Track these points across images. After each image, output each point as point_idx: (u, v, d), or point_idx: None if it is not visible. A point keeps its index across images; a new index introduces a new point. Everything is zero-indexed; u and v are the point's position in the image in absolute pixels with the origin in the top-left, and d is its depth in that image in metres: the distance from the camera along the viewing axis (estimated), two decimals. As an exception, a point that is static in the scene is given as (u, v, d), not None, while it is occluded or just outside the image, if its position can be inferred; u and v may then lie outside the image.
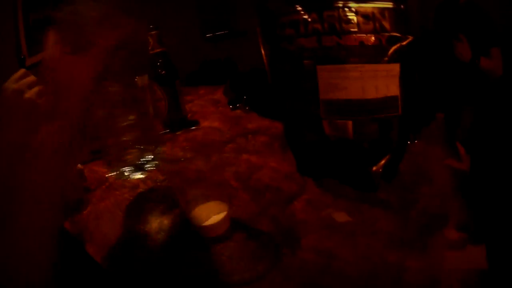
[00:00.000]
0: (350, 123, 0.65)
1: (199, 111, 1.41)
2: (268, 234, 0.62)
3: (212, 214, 0.64)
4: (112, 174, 0.77)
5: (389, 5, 0.61)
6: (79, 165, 0.91)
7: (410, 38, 0.62)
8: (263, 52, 0.74)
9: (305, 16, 0.65)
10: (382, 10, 0.61)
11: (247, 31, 3.39)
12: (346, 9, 0.62)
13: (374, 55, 0.62)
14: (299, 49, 0.66)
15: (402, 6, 0.62)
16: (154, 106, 1.34)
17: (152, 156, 0.73)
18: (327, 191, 0.71)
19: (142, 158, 0.73)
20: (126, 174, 0.74)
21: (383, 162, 0.67)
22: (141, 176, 0.78)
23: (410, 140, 0.73)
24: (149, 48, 1.18)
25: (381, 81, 0.63)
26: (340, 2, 0.62)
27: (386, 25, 0.61)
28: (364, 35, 0.62)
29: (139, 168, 0.73)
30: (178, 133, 1.17)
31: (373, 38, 0.62)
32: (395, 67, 0.62)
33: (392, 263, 0.52)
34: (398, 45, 0.62)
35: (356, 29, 0.62)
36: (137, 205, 0.82)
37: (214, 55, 3.65)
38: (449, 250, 0.54)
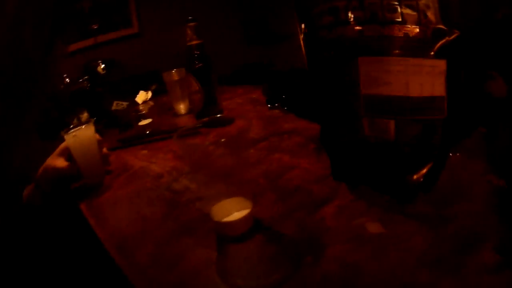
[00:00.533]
0: (392, 123, 0.59)
1: (236, 108, 1.39)
2: (292, 239, 0.57)
3: (234, 211, 0.59)
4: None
5: None
6: (105, 150, 0.91)
7: (457, 33, 0.55)
8: (301, 42, 0.69)
9: (346, 3, 0.59)
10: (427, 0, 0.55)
11: (290, 36, 3.37)
12: None
13: (419, 48, 0.56)
14: (339, 39, 0.61)
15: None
16: (189, 98, 1.33)
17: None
18: (360, 199, 0.65)
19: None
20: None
21: (424, 171, 0.60)
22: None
23: (451, 151, 0.66)
24: (187, 39, 1.17)
25: (426, 78, 0.56)
26: (383, -11, 0.57)
27: (431, 16, 0.55)
28: (409, 26, 0.56)
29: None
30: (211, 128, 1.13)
31: (417, 29, 0.56)
32: (442, 64, 0.56)
33: (423, 284, 0.46)
34: (444, 39, 0.55)
35: (400, 19, 0.56)
36: (158, 195, 0.79)
37: (256, 58, 3.63)
38: (485, 274, 0.47)
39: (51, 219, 0.60)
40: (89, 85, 1.58)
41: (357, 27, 0.59)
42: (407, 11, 0.56)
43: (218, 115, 0.60)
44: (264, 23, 3.94)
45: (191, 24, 1.17)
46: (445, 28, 0.55)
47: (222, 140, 0.55)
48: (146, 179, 0.89)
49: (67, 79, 1.61)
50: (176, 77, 1.39)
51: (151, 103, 1.80)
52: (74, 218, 0.72)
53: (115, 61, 2.53)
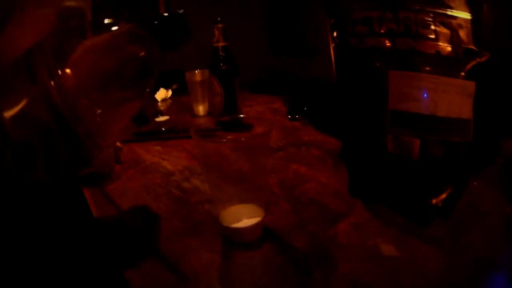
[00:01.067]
0: (417, 141, 0.56)
1: (256, 116, 1.37)
2: (302, 253, 0.54)
3: (244, 218, 0.56)
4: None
5: (467, 15, 0.53)
6: (118, 143, 0.89)
7: (488, 56, 0.53)
8: (332, 51, 0.67)
9: (380, 14, 0.57)
10: (460, 19, 0.53)
11: (317, 50, 3.35)
12: (423, 12, 0.54)
13: (450, 67, 0.54)
14: (371, 49, 0.59)
15: (479, 19, 0.53)
16: (210, 100, 1.32)
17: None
18: (376, 218, 0.62)
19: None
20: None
21: (444, 195, 0.57)
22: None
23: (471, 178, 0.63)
24: (214, 40, 1.15)
25: (455, 99, 0.54)
26: (417, 4, 0.55)
27: (464, 36, 0.53)
28: (441, 43, 0.54)
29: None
30: (229, 132, 1.12)
31: (449, 48, 0.54)
32: (471, 86, 0.54)
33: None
34: (475, 61, 0.53)
35: (433, 36, 0.54)
36: (166, 193, 0.77)
37: (280, 68, 3.62)
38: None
39: (53, 201, 0.58)
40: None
41: (390, 40, 0.57)
42: (440, 28, 0.54)
43: (239, 116, 0.58)
44: (292, 34, 3.94)
45: (220, 25, 1.15)
46: (476, 49, 0.53)
47: (242, 139, 0.53)
48: (156, 174, 0.87)
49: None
50: (198, 78, 1.37)
51: (170, 101, 1.79)
52: (76, 204, 0.70)
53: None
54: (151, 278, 0.51)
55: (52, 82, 0.40)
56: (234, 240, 0.57)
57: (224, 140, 0.55)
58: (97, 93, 0.43)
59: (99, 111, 0.43)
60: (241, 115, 0.61)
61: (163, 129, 1.24)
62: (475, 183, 0.66)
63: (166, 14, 0.48)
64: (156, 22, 0.48)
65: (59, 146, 0.42)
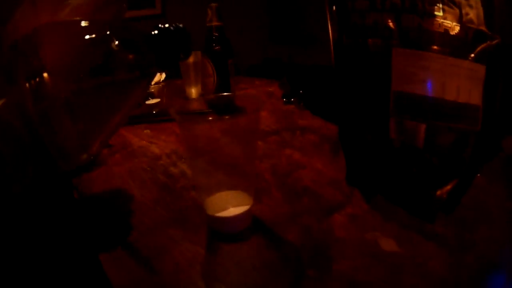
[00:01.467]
0: (423, 127, 0.52)
1: (245, 95, 1.33)
2: (295, 247, 0.50)
3: (230, 206, 0.52)
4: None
5: None
6: None
7: (499, 39, 0.48)
8: (329, 28, 0.61)
9: (383, -12, 0.52)
10: None
11: (317, 38, 3.31)
12: None
13: (459, 48, 0.50)
14: (373, 26, 0.54)
15: (491, 0, 0.48)
16: (202, 82, 1.27)
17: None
18: (376, 210, 0.57)
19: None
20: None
21: (449, 187, 0.53)
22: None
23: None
24: (207, 20, 1.10)
25: (464, 82, 0.50)
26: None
27: (473, 17, 0.49)
28: (450, 22, 0.49)
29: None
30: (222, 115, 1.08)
31: (458, 28, 0.49)
32: (481, 69, 0.49)
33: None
34: (486, 43, 0.49)
35: (441, 13, 0.49)
36: (152, 178, 0.73)
37: (277, 55, 3.59)
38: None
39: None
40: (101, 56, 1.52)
41: (394, 16, 0.52)
42: (449, 6, 0.49)
43: (226, 94, 0.53)
44: (291, 21, 3.89)
45: (213, 4, 1.10)
46: (487, 31, 0.48)
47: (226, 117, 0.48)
48: (143, 159, 0.82)
49: (79, 47, 1.55)
50: (191, 59, 1.32)
51: (162, 84, 1.74)
52: (58, 190, 0.66)
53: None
54: (127, 272, 0.47)
55: (28, 87, 0.36)
56: (220, 230, 0.52)
57: (210, 118, 0.50)
58: (77, 99, 0.39)
59: (79, 123, 0.39)
60: (228, 93, 0.56)
61: (154, 111, 1.20)
62: (478, 176, 0.62)
63: (165, 26, 0.44)
64: (154, 32, 0.43)
65: (29, 155, 0.38)
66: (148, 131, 1.06)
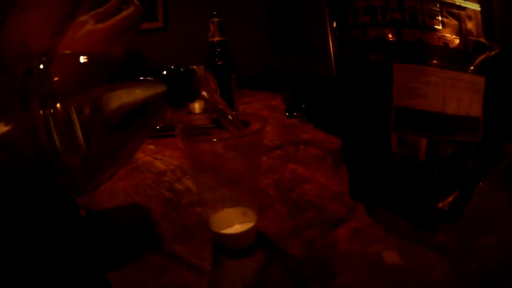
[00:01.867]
0: (424, 141, 0.52)
1: (251, 113, 1.33)
2: (298, 261, 0.50)
3: (235, 222, 0.53)
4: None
5: (476, 7, 0.49)
6: None
7: (498, 49, 0.49)
8: (330, 44, 0.62)
9: (384, 3, 0.53)
10: (469, 10, 0.49)
11: (318, 47, 3.33)
12: (430, 2, 0.50)
13: (459, 61, 0.50)
14: (374, 41, 0.54)
15: (489, 11, 0.49)
16: (205, 97, 1.28)
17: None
18: (379, 223, 0.58)
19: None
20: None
21: (450, 198, 0.53)
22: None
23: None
24: (209, 35, 1.11)
25: (464, 95, 0.50)
26: (423, -7, 0.50)
27: (472, 28, 0.49)
28: (449, 35, 0.50)
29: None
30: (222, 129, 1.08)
31: (458, 40, 0.49)
32: (480, 81, 0.50)
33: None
34: (485, 54, 0.49)
35: (440, 27, 0.50)
36: (157, 194, 0.73)
37: (279, 65, 3.60)
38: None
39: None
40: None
41: (395, 31, 0.53)
42: (448, 19, 0.50)
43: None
44: (292, 31, 3.91)
45: (215, 19, 1.11)
46: (487, 42, 0.49)
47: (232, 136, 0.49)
48: (148, 175, 0.83)
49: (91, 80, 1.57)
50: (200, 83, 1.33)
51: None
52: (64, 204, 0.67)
53: (140, 53, 2.49)
54: (135, 287, 0.48)
55: (42, 115, 0.36)
56: (225, 246, 0.53)
57: (214, 140, 0.50)
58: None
59: (90, 156, 0.40)
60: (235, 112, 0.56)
61: (158, 127, 1.21)
62: (480, 184, 0.62)
63: (176, 68, 0.44)
64: (165, 73, 0.44)
65: (38, 181, 0.39)
66: (153, 146, 1.06)
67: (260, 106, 1.46)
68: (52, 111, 0.36)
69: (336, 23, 0.61)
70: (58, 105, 0.37)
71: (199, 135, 0.54)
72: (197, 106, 1.37)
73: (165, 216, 0.64)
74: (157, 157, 0.95)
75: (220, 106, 0.50)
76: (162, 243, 0.56)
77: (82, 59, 0.41)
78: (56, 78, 0.38)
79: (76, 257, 0.58)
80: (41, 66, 0.38)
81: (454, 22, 0.49)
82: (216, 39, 1.12)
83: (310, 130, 1.08)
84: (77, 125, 0.38)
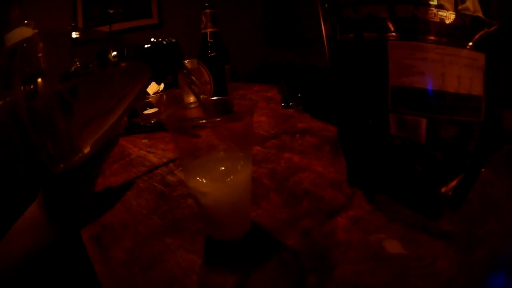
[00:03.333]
0: (424, 121, 0.49)
1: (239, 97, 1.31)
2: (295, 253, 0.47)
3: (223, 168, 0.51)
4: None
5: None
6: None
7: (496, 25, 0.46)
8: (322, 26, 0.59)
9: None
10: None
11: (314, 40, 3.31)
12: None
13: (457, 36, 0.47)
14: (366, 19, 0.52)
15: None
16: (200, 90, 1.25)
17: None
18: (379, 210, 0.55)
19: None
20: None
21: (454, 182, 0.51)
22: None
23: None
24: (202, 26, 1.09)
25: (464, 72, 0.48)
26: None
27: (469, 3, 0.46)
28: (445, 11, 0.47)
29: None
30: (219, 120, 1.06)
31: (454, 16, 0.47)
32: (481, 57, 0.47)
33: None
34: (484, 30, 0.46)
35: (435, 2, 0.47)
36: (149, 187, 0.71)
37: (275, 59, 3.58)
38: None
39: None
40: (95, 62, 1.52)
41: (388, 7, 0.50)
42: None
43: (222, 98, 0.51)
44: (287, 25, 3.88)
45: (207, 10, 1.08)
46: (485, 18, 0.46)
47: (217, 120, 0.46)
48: (141, 168, 0.81)
49: (77, 63, 1.54)
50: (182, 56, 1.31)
51: (161, 93, 1.73)
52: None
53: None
54: (123, 282, 0.45)
55: (22, 90, 0.35)
56: (218, 237, 0.50)
57: (198, 132, 0.48)
58: (68, 99, 0.38)
59: (67, 124, 0.38)
60: (225, 97, 0.54)
61: (152, 121, 1.19)
62: (483, 170, 0.60)
63: (158, 41, 0.43)
64: (148, 46, 0.43)
65: (20, 156, 0.37)
66: (146, 140, 1.04)
67: (256, 97, 1.43)
68: (32, 87, 0.35)
69: (327, 4, 0.58)
70: (39, 80, 0.36)
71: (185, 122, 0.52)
72: (191, 100, 1.35)
73: (156, 209, 0.61)
74: (150, 151, 0.93)
75: (195, 88, 0.49)
76: (152, 236, 0.54)
77: (74, 34, 0.40)
78: (40, 54, 0.37)
79: (63, 252, 0.56)
80: (25, 45, 0.37)
81: None
82: (208, 30, 1.09)
83: (307, 120, 1.05)
84: (59, 100, 0.36)
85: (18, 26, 0.62)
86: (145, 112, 1.35)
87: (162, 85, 1.78)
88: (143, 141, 1.04)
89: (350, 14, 0.54)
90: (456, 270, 0.43)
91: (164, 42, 0.43)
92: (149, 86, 1.74)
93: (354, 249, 0.47)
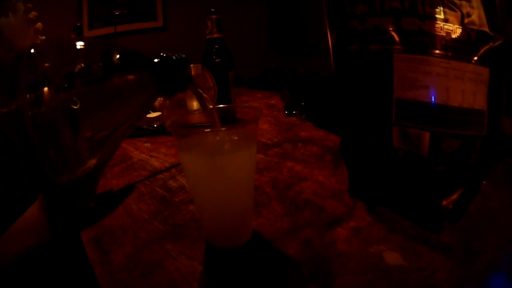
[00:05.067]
0: (427, 135, 0.50)
1: (244, 106, 1.31)
2: (295, 262, 0.48)
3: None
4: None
5: None
6: None
7: (501, 40, 0.47)
8: (328, 35, 0.60)
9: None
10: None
11: (318, 47, 3.32)
12: None
13: (462, 51, 0.48)
14: (373, 31, 0.52)
15: (492, 0, 0.47)
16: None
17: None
18: (380, 222, 0.55)
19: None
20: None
21: (455, 196, 0.51)
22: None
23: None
24: (207, 32, 1.09)
25: (468, 86, 0.48)
26: (424, -19, 0.48)
27: (475, 18, 0.47)
28: (451, 25, 0.47)
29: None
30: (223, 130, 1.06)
31: (460, 30, 0.47)
32: (485, 72, 0.48)
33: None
34: (489, 45, 0.47)
35: (442, 16, 0.48)
36: (150, 192, 0.71)
37: (280, 66, 3.59)
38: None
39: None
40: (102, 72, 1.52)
41: (394, 20, 0.50)
42: (450, 8, 0.47)
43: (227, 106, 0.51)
44: (291, 32, 3.89)
45: (213, 16, 1.09)
46: (490, 32, 0.47)
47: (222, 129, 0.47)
48: (142, 172, 0.81)
49: (82, 64, 1.55)
50: (191, 72, 1.31)
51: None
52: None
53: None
54: (123, 286, 0.45)
55: (28, 98, 0.35)
56: (217, 245, 0.50)
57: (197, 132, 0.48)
58: (73, 110, 0.38)
59: (73, 136, 0.38)
60: (230, 105, 0.54)
61: (155, 125, 1.19)
62: (484, 182, 0.60)
63: (168, 55, 0.43)
64: (157, 60, 0.42)
65: (23, 165, 0.37)
66: (149, 144, 1.04)
67: (258, 104, 1.44)
68: (38, 91, 0.35)
69: (333, 14, 0.58)
70: (46, 89, 0.36)
71: (189, 129, 0.52)
72: (195, 104, 1.35)
73: (157, 214, 0.62)
74: (152, 155, 0.93)
75: (204, 99, 0.49)
76: (153, 241, 0.54)
77: (81, 43, 0.40)
78: (47, 64, 0.37)
79: (63, 254, 0.56)
80: (32, 51, 0.37)
81: (456, 11, 0.47)
82: (214, 36, 1.10)
83: (309, 128, 1.05)
84: (66, 110, 0.36)
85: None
86: (148, 115, 1.36)
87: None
88: (145, 144, 1.04)
89: (356, 25, 0.54)
90: (455, 283, 0.43)
91: (174, 57, 0.43)
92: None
93: (354, 260, 0.47)
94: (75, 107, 0.37)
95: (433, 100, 0.49)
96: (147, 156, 0.93)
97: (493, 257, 0.46)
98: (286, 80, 1.39)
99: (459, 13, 0.47)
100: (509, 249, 0.48)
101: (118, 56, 0.41)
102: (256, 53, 3.67)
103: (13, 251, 0.47)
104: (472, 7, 0.47)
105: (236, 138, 0.51)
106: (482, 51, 0.47)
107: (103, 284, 0.46)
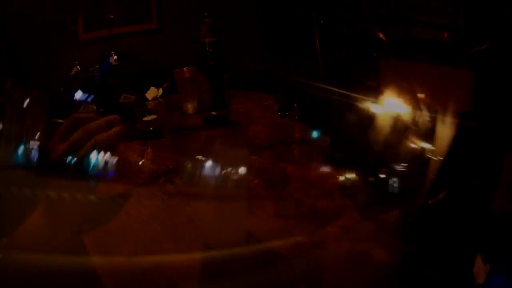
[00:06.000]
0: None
1: (246, 113, 1.32)
2: (287, 261, 0.50)
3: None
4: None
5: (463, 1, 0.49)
6: None
7: (487, 44, 0.49)
8: (317, 41, 0.62)
9: (370, -2, 0.53)
10: (456, 4, 0.49)
11: (312, 49, 3.32)
12: None
13: (447, 56, 0.50)
14: (360, 37, 0.54)
15: (478, 6, 0.49)
16: (197, 98, 1.27)
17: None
18: (368, 220, 0.57)
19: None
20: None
21: (440, 196, 0.53)
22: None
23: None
24: (201, 36, 1.11)
25: (452, 90, 0.50)
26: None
27: (461, 22, 0.49)
28: (437, 30, 0.49)
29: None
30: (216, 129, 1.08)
31: (446, 35, 0.49)
32: (470, 76, 0.49)
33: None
34: (475, 49, 0.49)
35: (427, 21, 0.49)
36: (149, 194, 0.74)
37: (274, 67, 3.58)
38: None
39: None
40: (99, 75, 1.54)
41: (380, 26, 0.53)
42: (435, 13, 0.50)
43: (215, 113, 0.53)
44: (286, 34, 3.90)
45: (206, 20, 1.11)
46: (475, 36, 0.49)
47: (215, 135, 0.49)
48: (140, 175, 0.83)
49: (78, 67, 1.56)
50: (187, 75, 1.33)
51: (160, 100, 1.74)
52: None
53: (134, 55, 2.48)
54: (123, 285, 0.47)
55: None
56: (211, 246, 0.53)
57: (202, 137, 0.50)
58: None
59: None
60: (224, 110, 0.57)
61: (151, 128, 1.20)
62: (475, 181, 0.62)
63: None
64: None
65: None
66: (145, 147, 1.05)
67: (252, 106, 1.45)
68: None
69: (322, 21, 0.61)
70: None
71: (186, 135, 0.54)
72: (190, 107, 1.36)
73: (155, 216, 0.63)
74: (149, 158, 0.95)
75: None
76: (152, 242, 0.56)
77: None
78: None
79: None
80: None
81: (441, 15, 0.49)
82: (207, 39, 1.12)
83: (302, 130, 1.07)
84: None
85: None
86: (145, 118, 1.37)
87: (160, 91, 1.80)
88: (142, 147, 1.05)
89: (344, 32, 0.56)
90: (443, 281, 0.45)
91: None
92: (148, 92, 1.77)
93: (343, 258, 0.50)
94: None
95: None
96: (145, 159, 0.94)
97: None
98: (280, 82, 1.41)
99: (445, 18, 0.49)
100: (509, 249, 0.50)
101: None
102: (251, 54, 3.68)
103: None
104: (458, 13, 0.49)
105: (229, 141, 0.52)
106: (467, 55, 0.49)
107: (105, 283, 0.48)
